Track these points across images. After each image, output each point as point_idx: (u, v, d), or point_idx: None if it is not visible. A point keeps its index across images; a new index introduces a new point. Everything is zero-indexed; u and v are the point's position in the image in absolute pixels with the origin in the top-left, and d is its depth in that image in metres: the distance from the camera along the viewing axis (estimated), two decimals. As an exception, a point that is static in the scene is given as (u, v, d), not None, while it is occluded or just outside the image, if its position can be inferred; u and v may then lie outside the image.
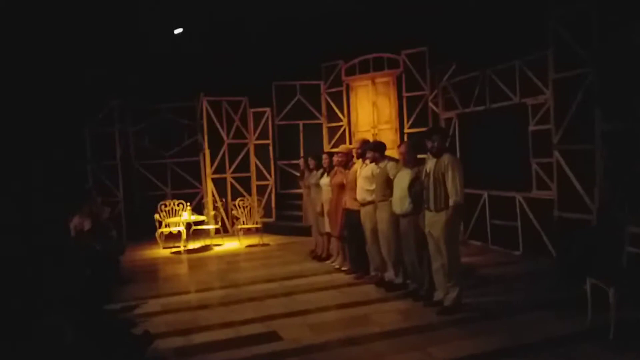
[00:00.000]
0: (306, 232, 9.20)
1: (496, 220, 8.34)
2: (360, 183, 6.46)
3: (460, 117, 9.25)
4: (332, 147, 11.18)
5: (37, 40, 8.56)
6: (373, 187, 6.26)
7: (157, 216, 9.90)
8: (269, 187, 11.84)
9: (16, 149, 8.45)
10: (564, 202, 6.81)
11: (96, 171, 10.87)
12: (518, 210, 7.86)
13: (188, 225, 9.83)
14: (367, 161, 6.43)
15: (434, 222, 5.20)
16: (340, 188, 7.07)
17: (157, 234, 9.83)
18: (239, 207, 10.29)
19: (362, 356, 4.36)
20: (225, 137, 11.49)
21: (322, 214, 7.74)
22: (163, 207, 10.22)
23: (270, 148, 11.87)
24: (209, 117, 11.29)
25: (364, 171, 6.45)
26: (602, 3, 6.11)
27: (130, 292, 6.73)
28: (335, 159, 7.25)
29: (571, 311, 4.99)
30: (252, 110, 11.80)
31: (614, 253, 4.89)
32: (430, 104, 10.38)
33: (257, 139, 11.85)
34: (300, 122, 12.00)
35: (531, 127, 7.62)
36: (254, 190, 11.73)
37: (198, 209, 11.00)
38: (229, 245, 10.11)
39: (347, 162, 7.08)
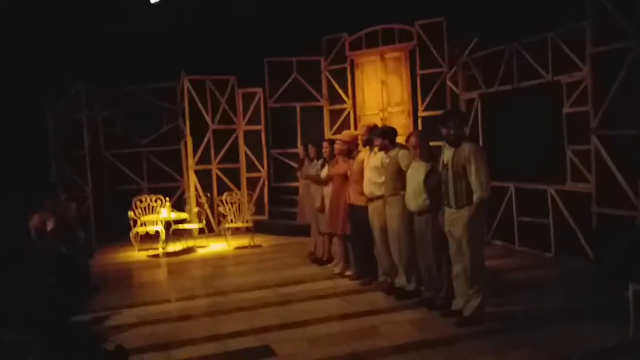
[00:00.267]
0: (304, 231, 9.21)
1: (524, 217, 8.35)
2: (368, 175, 6.46)
3: (484, 98, 9.23)
4: (334, 134, 11.19)
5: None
6: (382, 179, 6.26)
7: (131, 214, 9.91)
8: (261, 180, 11.85)
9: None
10: (603, 197, 6.81)
11: (60, 163, 10.86)
12: (550, 205, 7.86)
13: (167, 225, 9.84)
14: (375, 149, 6.43)
15: (454, 220, 5.21)
16: (343, 180, 7.07)
17: (131, 235, 9.84)
18: (227, 203, 10.29)
19: (369, 374, 4.38)
20: (210, 122, 11.48)
21: (322, 210, 7.75)
22: (138, 203, 10.22)
23: (263, 135, 11.87)
24: (192, 99, 11.28)
25: (372, 161, 6.44)
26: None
27: (101, 302, 6.73)
28: (337, 146, 7.25)
29: (611, 321, 4.99)
30: (241, 91, 11.78)
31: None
32: (449, 83, 10.37)
33: (247, 124, 11.84)
34: (298, 105, 11.98)
35: (566, 109, 7.61)
36: (243, 183, 11.74)
37: (179, 206, 11.01)
38: (215, 247, 10.13)
39: (350, 150, 7.08)
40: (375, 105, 11.54)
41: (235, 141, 11.78)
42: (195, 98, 11.32)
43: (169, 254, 9.54)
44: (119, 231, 10.22)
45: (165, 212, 9.65)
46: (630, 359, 4.34)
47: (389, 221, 6.24)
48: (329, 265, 7.84)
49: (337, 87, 11.86)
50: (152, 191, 11.00)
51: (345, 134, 7.46)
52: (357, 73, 11.75)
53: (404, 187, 6.00)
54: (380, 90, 11.48)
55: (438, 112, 9.61)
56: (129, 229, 9.86)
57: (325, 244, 8.07)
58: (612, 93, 6.66)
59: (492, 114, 9.05)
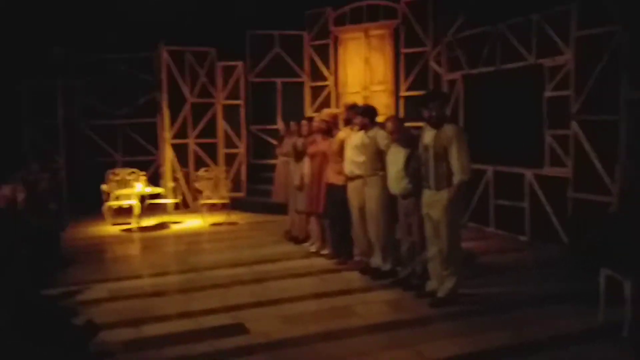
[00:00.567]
0: (281, 210, 9.20)
1: (501, 200, 8.45)
2: (349, 154, 6.45)
3: (466, 79, 9.26)
4: (315, 111, 11.12)
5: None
6: (362, 158, 6.26)
7: (105, 187, 9.81)
8: (239, 156, 11.79)
9: None
10: (580, 182, 6.91)
11: (33, 132, 10.66)
12: (527, 189, 7.95)
13: (142, 199, 9.75)
14: (356, 128, 6.42)
15: (433, 202, 5.24)
16: (323, 158, 7.05)
17: (104, 208, 9.75)
18: (203, 179, 10.23)
19: (342, 353, 4.40)
20: (188, 96, 11.35)
21: (301, 188, 7.73)
22: (112, 176, 10.12)
23: (242, 110, 11.78)
24: (170, 71, 11.13)
25: (352, 140, 6.44)
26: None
27: (72, 276, 6.69)
28: (315, 124, 7.22)
29: (583, 306, 5.10)
30: (221, 63, 11.65)
31: (635, 241, 4.99)
32: (432, 63, 10.36)
33: (227, 98, 11.73)
34: (279, 80, 11.88)
35: (547, 93, 7.66)
36: (221, 159, 11.67)
37: (154, 180, 10.93)
38: (190, 223, 10.09)
39: (330, 129, 7.05)
40: (357, 83, 11.49)
41: (214, 115, 11.68)
42: (174, 70, 11.17)
43: (142, 229, 9.47)
44: (92, 204, 10.11)
45: (140, 187, 9.57)
46: (600, 342, 4.44)
47: (367, 201, 6.27)
48: (306, 244, 7.86)
49: (319, 63, 11.77)
50: (126, 164, 10.90)
51: (326, 113, 7.43)
52: (340, 50, 11.66)
53: (383, 168, 6.03)
54: (363, 68, 11.42)
55: (420, 93, 9.62)
56: (102, 203, 9.76)
57: (302, 222, 8.08)
58: (593, 78, 6.71)
59: (474, 96, 9.09)
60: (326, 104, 11.44)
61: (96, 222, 9.91)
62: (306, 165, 7.55)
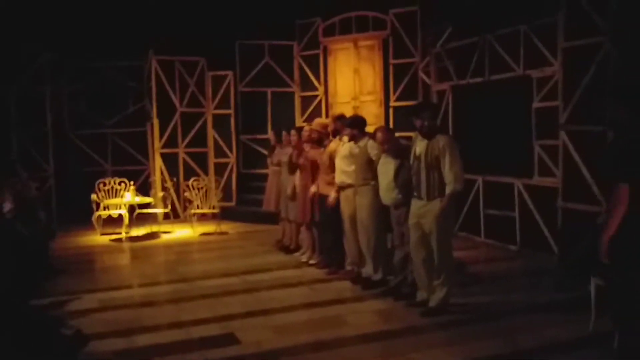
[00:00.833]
0: (272, 219, 9.19)
1: (491, 209, 8.48)
2: (339, 164, 6.47)
3: (455, 90, 9.31)
4: (305, 121, 11.16)
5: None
6: (352, 168, 6.28)
7: (94, 196, 9.74)
8: (230, 166, 11.77)
9: None
10: (569, 191, 6.95)
11: (22, 140, 10.57)
12: (517, 199, 8.00)
13: (131, 209, 9.72)
14: (345, 139, 6.44)
15: (425, 212, 5.25)
16: (313, 168, 7.06)
17: (94, 218, 9.68)
18: (193, 189, 10.20)
19: (333, 363, 4.40)
20: (178, 105, 11.33)
21: (293, 198, 7.72)
22: (102, 185, 10.06)
23: (232, 119, 11.77)
24: (159, 80, 11.11)
25: (342, 150, 6.46)
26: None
27: (61, 285, 6.64)
28: (305, 134, 7.22)
29: (573, 315, 5.12)
30: (211, 73, 11.65)
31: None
32: (421, 74, 10.42)
33: (217, 108, 11.72)
34: (269, 90, 11.90)
35: (535, 104, 7.73)
36: (211, 169, 11.64)
37: (144, 190, 10.87)
38: (180, 233, 10.05)
39: (321, 139, 7.06)
40: (347, 94, 11.53)
41: (204, 125, 11.66)
42: (163, 79, 11.16)
43: (132, 239, 9.42)
44: (81, 214, 10.03)
45: (130, 196, 9.53)
46: (590, 351, 4.46)
47: (358, 211, 6.27)
48: (297, 253, 7.84)
49: (309, 73, 11.81)
50: (116, 174, 10.84)
51: (317, 122, 7.44)
52: (330, 60, 11.70)
53: (374, 177, 6.04)
54: (352, 79, 11.46)
55: (409, 103, 9.71)
56: (92, 212, 9.70)
57: (293, 232, 8.07)
58: (581, 89, 6.78)
59: (463, 106, 9.14)
60: (316, 113, 11.45)
61: (85, 231, 9.84)
62: (297, 176, 7.55)
